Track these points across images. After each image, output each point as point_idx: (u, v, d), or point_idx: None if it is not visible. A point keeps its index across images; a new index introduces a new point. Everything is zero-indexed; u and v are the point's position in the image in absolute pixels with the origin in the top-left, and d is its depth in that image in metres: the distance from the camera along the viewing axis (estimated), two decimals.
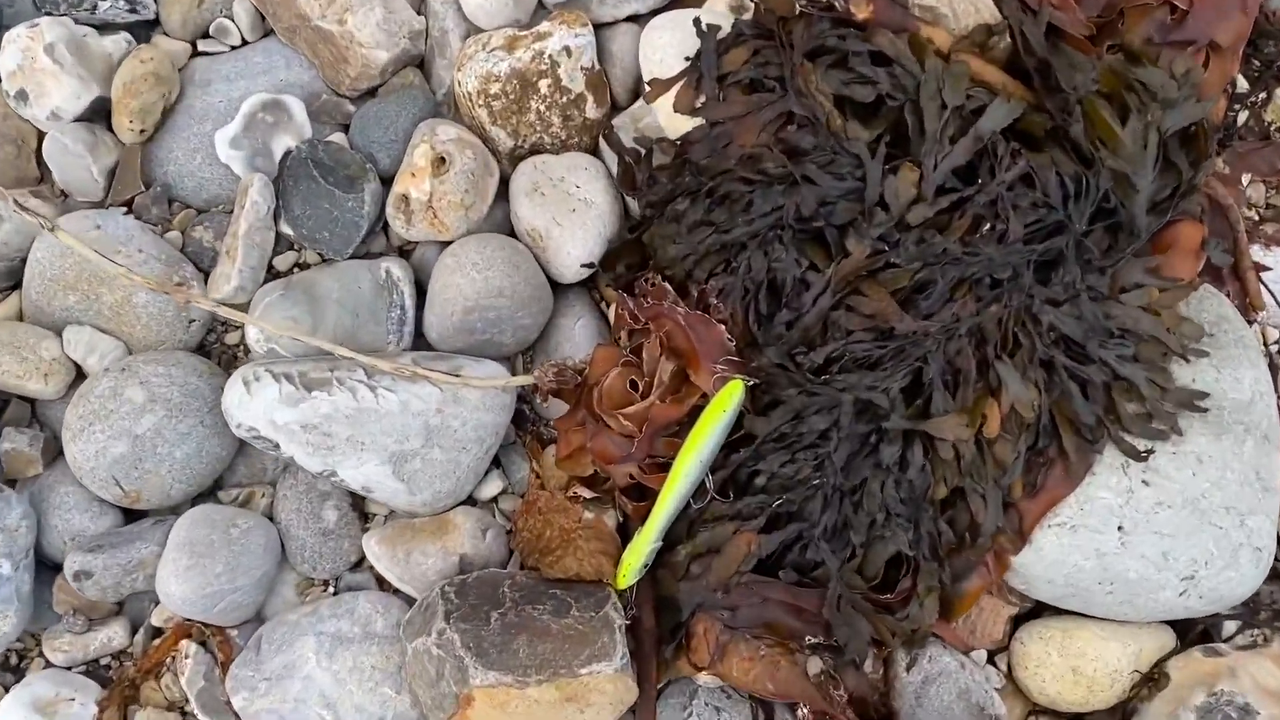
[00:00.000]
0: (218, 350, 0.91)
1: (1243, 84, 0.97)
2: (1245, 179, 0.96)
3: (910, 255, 0.79)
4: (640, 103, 0.91)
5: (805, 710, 0.80)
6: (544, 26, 0.89)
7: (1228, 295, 0.93)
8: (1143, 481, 0.82)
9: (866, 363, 0.80)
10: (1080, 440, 0.81)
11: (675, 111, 0.86)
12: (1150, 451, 0.82)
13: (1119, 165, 0.79)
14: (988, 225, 0.79)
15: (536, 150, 0.92)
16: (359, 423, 0.82)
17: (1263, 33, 0.97)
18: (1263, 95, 0.98)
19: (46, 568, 0.87)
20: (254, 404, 0.81)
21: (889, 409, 0.78)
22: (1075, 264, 0.79)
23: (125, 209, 0.91)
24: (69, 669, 0.86)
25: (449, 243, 0.88)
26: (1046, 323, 0.79)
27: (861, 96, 0.81)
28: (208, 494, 0.89)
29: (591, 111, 0.91)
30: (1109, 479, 0.82)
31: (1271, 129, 0.97)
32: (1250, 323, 0.94)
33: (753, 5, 0.89)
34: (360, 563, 0.89)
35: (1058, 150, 0.81)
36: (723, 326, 0.82)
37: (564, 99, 0.90)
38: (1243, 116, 0.97)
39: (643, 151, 0.89)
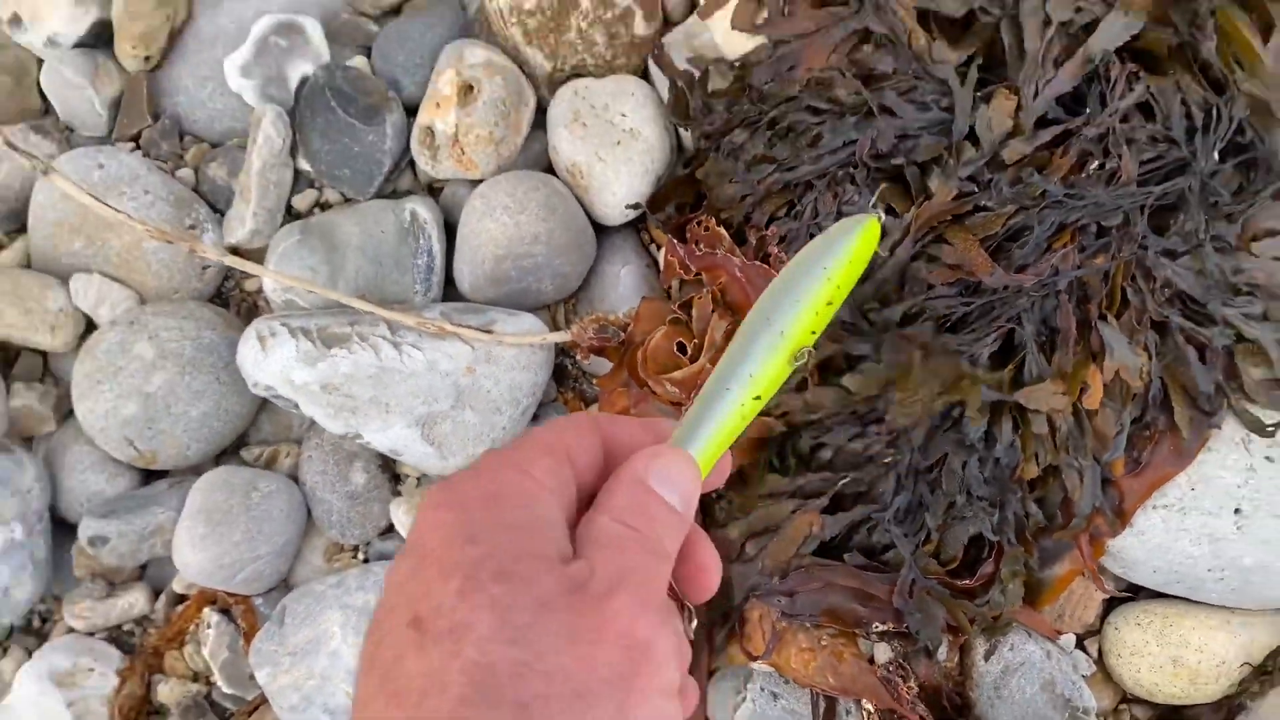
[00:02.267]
0: (236, 297, 0.85)
1: None
2: None
3: (1004, 198, 0.68)
4: (695, 17, 0.80)
5: (871, 707, 0.73)
6: None
7: None
8: (1266, 459, 0.72)
9: (950, 323, 0.69)
10: (1196, 412, 0.70)
11: (734, 29, 0.75)
12: (1278, 425, 0.71)
13: (1258, 90, 0.67)
14: (1096, 163, 0.67)
15: (577, 73, 0.82)
16: (383, 383, 0.74)
17: None
18: None
19: (66, 528, 0.82)
20: (269, 362, 0.74)
21: (976, 376, 0.68)
22: (1199, 209, 0.67)
23: (133, 144, 0.83)
24: (90, 635, 0.82)
25: (479, 181, 0.79)
26: (1161, 278, 0.68)
27: (950, 10, 0.69)
28: (231, 451, 0.84)
29: (640, 28, 0.81)
30: (1227, 456, 0.72)
31: None
32: None
33: None
34: (391, 529, 0.83)
35: (1184, 73, 0.68)
36: None
37: (609, 14, 0.80)
38: None
39: (697, 75, 0.78)
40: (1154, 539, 0.73)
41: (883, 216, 0.47)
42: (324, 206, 0.83)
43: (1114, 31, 0.68)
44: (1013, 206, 0.68)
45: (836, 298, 0.46)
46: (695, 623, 0.75)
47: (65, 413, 0.82)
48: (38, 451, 0.82)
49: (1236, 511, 0.72)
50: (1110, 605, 0.81)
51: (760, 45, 0.75)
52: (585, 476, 0.41)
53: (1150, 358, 0.69)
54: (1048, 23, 0.68)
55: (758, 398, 0.44)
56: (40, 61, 0.83)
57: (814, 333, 0.46)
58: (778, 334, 0.46)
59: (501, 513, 0.36)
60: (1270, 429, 0.71)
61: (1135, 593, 0.81)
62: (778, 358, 0.45)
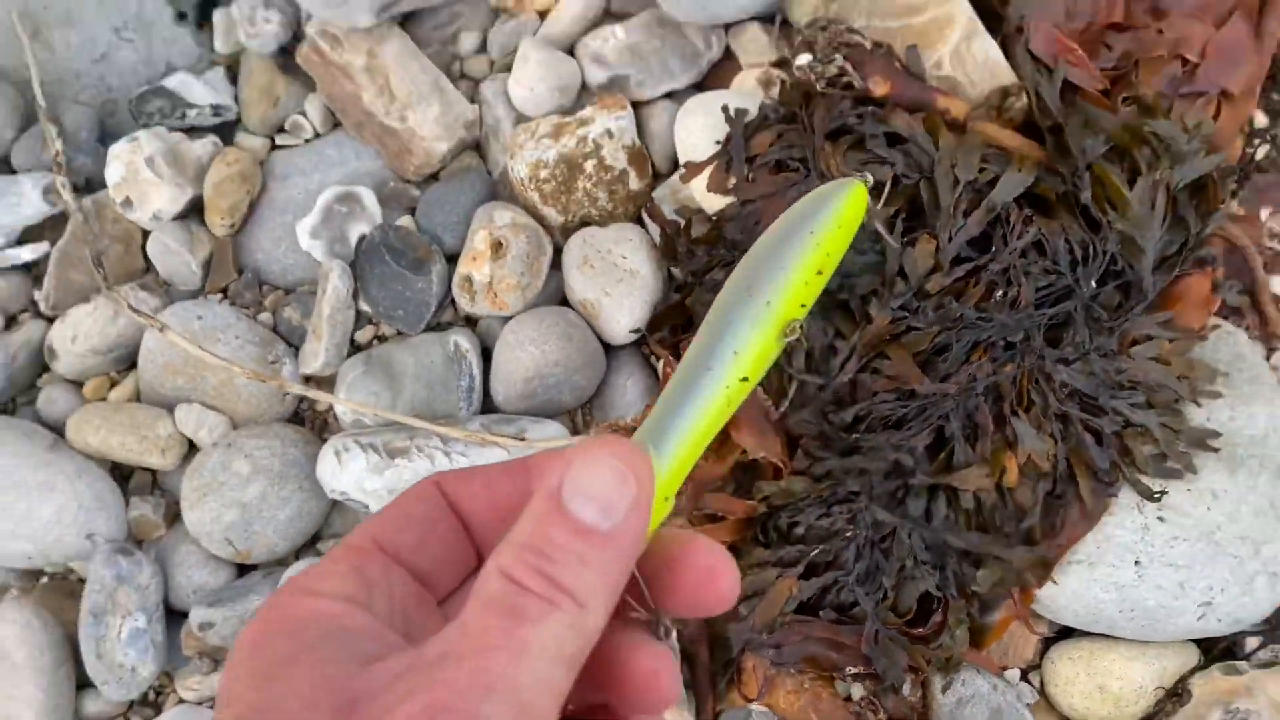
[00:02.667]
0: (311, 416, 1.02)
1: (1262, 119, 1.00)
2: (1265, 212, 0.99)
3: (929, 321, 0.85)
4: (679, 173, 0.98)
5: None
6: (586, 113, 0.97)
7: (1248, 328, 0.98)
8: (1158, 518, 0.88)
9: (892, 421, 0.87)
10: (1097, 484, 0.87)
11: (709, 191, 0.93)
12: (1164, 492, 0.88)
13: (1126, 228, 0.85)
14: (1001, 292, 0.85)
15: (585, 222, 1.00)
16: None
17: None
18: None
19: (176, 615, 0.99)
20: (344, 474, 0.91)
21: (914, 466, 0.85)
22: (1085, 325, 0.85)
23: (221, 295, 1.01)
24: (199, 704, 0.99)
25: (509, 317, 0.97)
26: (1059, 380, 0.85)
27: (879, 176, 0.87)
28: (308, 545, 1.00)
29: (634, 184, 0.99)
30: (1125, 518, 0.88)
31: None
32: (1270, 351, 0.98)
33: (779, 81, 0.95)
34: None
35: (1068, 215, 0.86)
36: (759, 389, 0.89)
37: (608, 176, 0.98)
38: (1263, 151, 1.01)
39: (682, 223, 0.96)
40: (1072, 588, 0.89)
41: (869, 180, 0.44)
42: (381, 339, 1.01)
43: (1011, 185, 0.86)
44: (937, 328, 0.85)
45: (826, 266, 0.41)
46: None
47: (173, 518, 0.99)
48: (151, 553, 0.99)
49: (1136, 563, 0.88)
50: (1049, 643, 0.97)
51: (731, 203, 0.93)
52: (435, 550, 0.36)
53: (1056, 443, 0.86)
54: (957, 182, 0.85)
55: (745, 379, 0.39)
56: (145, 232, 1.01)
57: (804, 305, 0.40)
58: (763, 305, 0.39)
59: (261, 658, 0.31)
60: (1157, 495, 0.87)
61: (1068, 632, 0.97)
62: (766, 332, 0.39)
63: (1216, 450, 0.88)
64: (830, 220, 0.41)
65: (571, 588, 0.29)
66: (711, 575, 0.35)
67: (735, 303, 0.39)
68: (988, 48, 0.92)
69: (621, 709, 0.35)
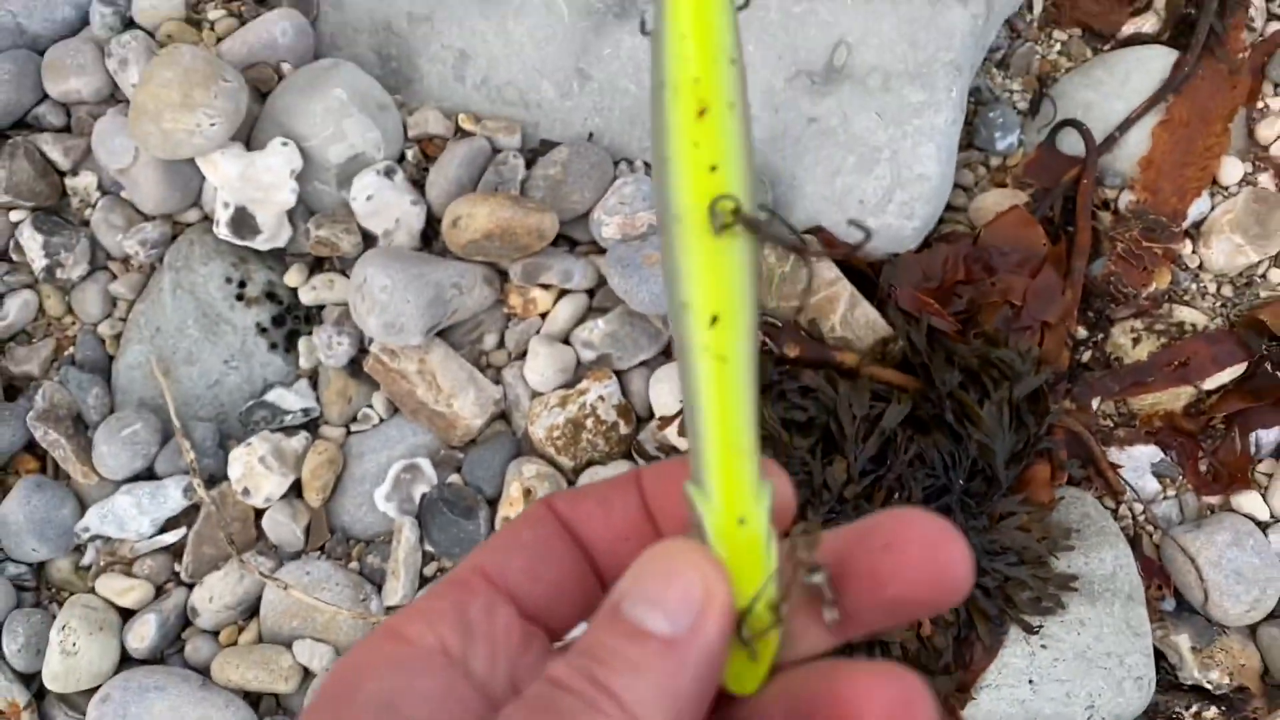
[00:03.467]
0: None
1: (1083, 332, 1.35)
2: (1096, 401, 1.33)
3: (849, 520, 1.17)
4: (656, 421, 1.31)
5: None
6: (584, 385, 1.30)
7: (1095, 490, 1.29)
8: (1041, 646, 1.18)
9: None
10: (991, 626, 1.17)
11: (679, 435, 1.26)
12: (1041, 625, 1.18)
13: (982, 437, 1.17)
14: (896, 493, 1.17)
15: (590, 463, 1.32)
16: None
17: (1091, 293, 1.35)
18: (1101, 335, 1.35)
19: None
20: None
21: None
22: (961, 511, 1.16)
23: (319, 551, 1.32)
24: None
25: None
26: None
27: (798, 418, 1.20)
28: None
29: (624, 430, 1.32)
30: (1016, 648, 1.18)
31: (1111, 358, 1.35)
32: (1118, 504, 1.30)
33: None
34: None
35: (939, 432, 1.19)
36: None
37: (604, 427, 1.30)
38: (1088, 355, 1.35)
39: (663, 457, 1.29)
40: (986, 705, 1.18)
41: None
42: (443, 570, 1.31)
43: (895, 414, 1.19)
44: None
45: (709, 99, 0.29)
46: None
47: None
48: None
49: (1030, 681, 1.18)
50: None
51: None
52: (549, 578, 0.33)
53: None
54: (855, 417, 1.18)
55: (715, 319, 0.30)
56: (258, 510, 1.32)
57: (714, 167, 0.29)
58: (674, 222, 0.30)
59: (339, 706, 0.30)
60: (1036, 629, 1.17)
61: None
62: (693, 246, 0.29)
63: (1076, 589, 1.19)
64: (674, 45, 0.29)
65: (620, 693, 0.27)
66: (935, 551, 0.29)
67: (662, 256, 0.30)
68: (868, 311, 1.26)
69: None
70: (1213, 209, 1.36)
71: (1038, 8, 1.49)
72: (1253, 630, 1.26)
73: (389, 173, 1.31)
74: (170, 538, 1.30)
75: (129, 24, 1.39)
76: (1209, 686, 1.24)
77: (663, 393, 1.28)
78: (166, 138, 1.24)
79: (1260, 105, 1.40)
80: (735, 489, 0.31)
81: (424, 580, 1.31)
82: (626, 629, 0.28)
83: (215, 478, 1.32)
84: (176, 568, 1.32)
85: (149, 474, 1.32)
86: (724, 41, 0.29)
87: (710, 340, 0.30)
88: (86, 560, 1.32)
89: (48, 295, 1.36)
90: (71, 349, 1.36)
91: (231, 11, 1.42)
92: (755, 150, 0.32)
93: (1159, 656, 1.25)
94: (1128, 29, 1.47)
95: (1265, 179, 1.37)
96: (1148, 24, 1.46)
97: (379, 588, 1.31)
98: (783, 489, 0.33)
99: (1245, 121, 1.40)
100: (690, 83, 0.29)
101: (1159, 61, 1.40)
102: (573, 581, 0.34)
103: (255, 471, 1.28)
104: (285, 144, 1.29)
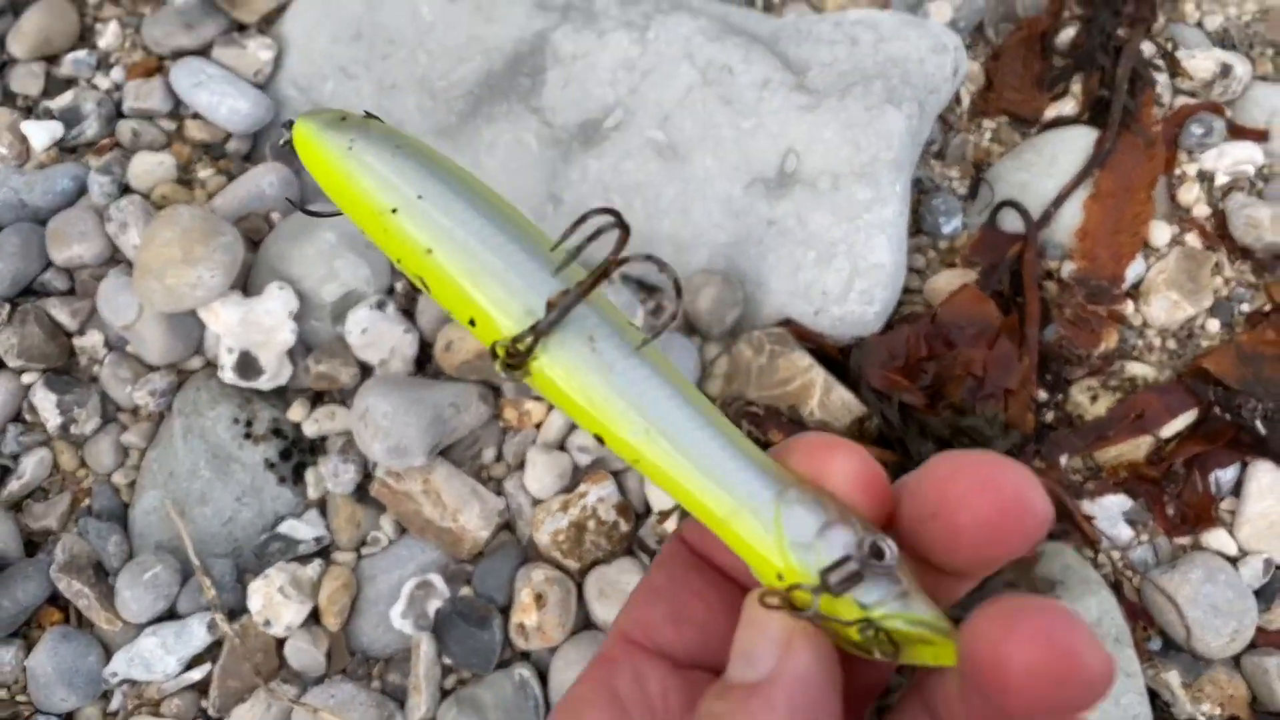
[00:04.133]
0: None
1: (1044, 395, 1.44)
2: (1064, 459, 1.41)
3: None
4: (655, 515, 1.38)
5: None
6: (582, 488, 1.37)
7: (1073, 541, 1.37)
8: None
9: None
10: None
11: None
12: None
13: None
14: None
15: (595, 563, 1.38)
16: None
17: (1047, 358, 1.44)
18: (1060, 396, 1.44)
19: None
20: None
21: None
22: None
23: (341, 674, 1.37)
24: None
25: (555, 647, 1.33)
26: None
27: None
28: None
29: (624, 528, 1.38)
30: None
31: (1073, 416, 1.44)
32: (1095, 553, 1.37)
33: None
34: None
35: None
36: None
37: (605, 526, 1.37)
38: (1051, 415, 1.44)
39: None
40: None
41: (293, 121, 0.36)
42: (463, 682, 1.36)
43: None
44: None
45: (376, 232, 0.31)
46: None
47: None
48: None
49: None
50: None
51: None
52: (697, 615, 0.32)
53: None
54: None
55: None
56: (278, 640, 1.37)
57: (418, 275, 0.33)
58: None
59: None
60: None
61: None
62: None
63: None
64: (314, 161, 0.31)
65: None
66: (1001, 491, 0.27)
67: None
68: (842, 394, 1.35)
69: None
70: (1148, 270, 1.47)
71: (965, 101, 1.61)
72: (1236, 660, 1.33)
73: (381, 305, 1.40)
74: (196, 674, 1.34)
75: (125, 189, 1.48)
76: (1203, 719, 1.30)
77: (656, 491, 1.35)
78: (170, 293, 1.32)
79: (1178, 172, 1.53)
80: (751, 555, 0.33)
81: (445, 693, 1.35)
82: (719, 689, 0.28)
83: (235, 611, 1.37)
84: (204, 704, 1.35)
85: (171, 614, 1.36)
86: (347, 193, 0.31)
87: (641, 449, 0.32)
88: (114, 706, 1.35)
89: (61, 451, 1.42)
90: (88, 500, 1.41)
91: (220, 169, 1.52)
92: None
93: (1152, 695, 1.31)
94: (1050, 113, 1.60)
95: (1191, 238, 1.49)
96: (1067, 107, 1.59)
97: (401, 704, 1.35)
98: (853, 471, 0.32)
99: (1166, 188, 1.52)
100: (380, 231, 0.31)
101: (1082, 140, 1.52)
102: (720, 611, 0.33)
103: (275, 602, 1.33)
104: (282, 287, 1.37)
